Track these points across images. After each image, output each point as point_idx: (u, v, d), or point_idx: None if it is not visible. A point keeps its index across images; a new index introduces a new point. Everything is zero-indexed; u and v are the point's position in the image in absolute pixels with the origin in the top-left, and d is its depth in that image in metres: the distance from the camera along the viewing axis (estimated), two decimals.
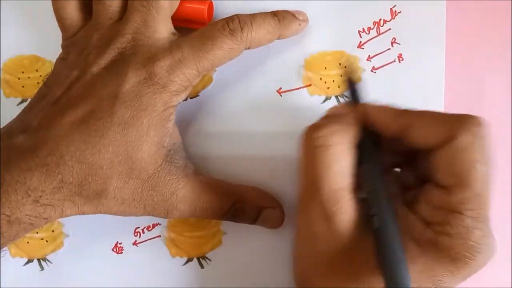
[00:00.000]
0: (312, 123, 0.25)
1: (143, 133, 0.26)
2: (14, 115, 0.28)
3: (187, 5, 0.30)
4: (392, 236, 0.22)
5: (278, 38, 0.29)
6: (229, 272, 0.31)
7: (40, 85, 0.29)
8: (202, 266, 0.31)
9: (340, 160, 0.23)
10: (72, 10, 0.29)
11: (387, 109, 0.25)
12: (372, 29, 0.31)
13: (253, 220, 0.29)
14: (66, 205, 0.26)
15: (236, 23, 0.27)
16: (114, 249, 0.32)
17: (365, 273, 0.23)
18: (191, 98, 0.31)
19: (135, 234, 0.32)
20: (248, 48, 0.28)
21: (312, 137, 0.24)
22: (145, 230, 0.31)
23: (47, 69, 0.32)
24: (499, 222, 0.27)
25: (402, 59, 0.31)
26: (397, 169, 0.27)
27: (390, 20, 0.31)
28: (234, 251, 0.31)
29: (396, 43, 0.31)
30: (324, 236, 0.24)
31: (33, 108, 0.28)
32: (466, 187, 0.22)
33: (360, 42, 0.31)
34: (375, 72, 0.31)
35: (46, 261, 0.32)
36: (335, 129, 0.24)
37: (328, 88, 0.31)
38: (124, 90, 0.26)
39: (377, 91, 0.31)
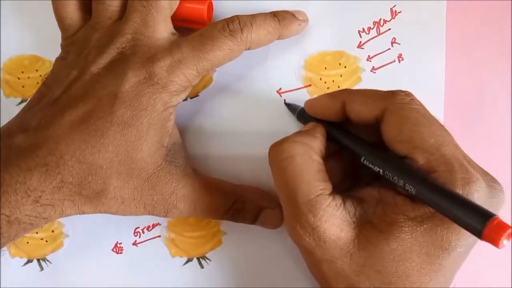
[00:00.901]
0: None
1: (143, 133, 0.26)
2: (14, 115, 0.28)
3: (187, 5, 0.30)
4: (436, 189, 0.22)
5: (278, 39, 0.29)
6: (229, 272, 0.31)
7: (39, 84, 0.29)
8: (202, 266, 0.31)
9: (308, 168, 0.24)
10: (72, 10, 0.29)
11: (322, 97, 0.27)
12: (372, 29, 0.31)
13: (253, 220, 0.29)
14: (66, 204, 0.26)
15: (236, 24, 0.27)
16: (114, 249, 0.32)
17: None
18: (191, 98, 0.31)
19: (135, 234, 0.32)
20: (248, 49, 0.28)
21: (277, 152, 0.25)
22: (145, 230, 0.31)
23: (47, 69, 0.32)
24: None
25: (402, 59, 0.31)
26: None
27: (390, 20, 0.31)
28: (234, 251, 0.31)
29: (396, 43, 0.31)
30: (318, 251, 0.24)
31: (32, 107, 0.28)
32: (422, 152, 0.23)
33: (360, 42, 0.31)
34: (375, 72, 0.31)
35: (46, 261, 0.32)
36: (295, 140, 0.25)
37: (328, 88, 0.31)
38: (124, 90, 0.26)
39: None
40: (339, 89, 0.27)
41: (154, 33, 0.28)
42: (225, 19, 0.28)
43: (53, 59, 0.30)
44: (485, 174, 0.23)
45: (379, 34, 0.31)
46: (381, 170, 0.24)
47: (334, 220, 0.24)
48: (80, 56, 0.28)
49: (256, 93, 0.31)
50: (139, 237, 0.32)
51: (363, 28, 0.31)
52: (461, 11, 0.31)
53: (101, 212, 0.27)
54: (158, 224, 0.31)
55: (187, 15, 0.30)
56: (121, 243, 0.32)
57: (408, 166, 0.23)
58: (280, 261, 0.31)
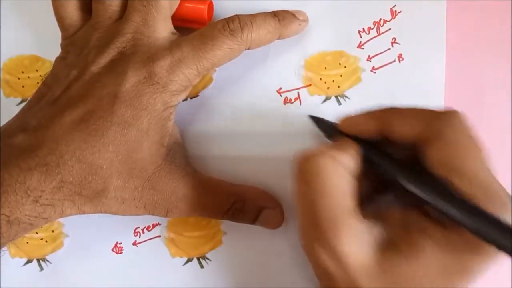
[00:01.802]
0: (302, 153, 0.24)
1: (143, 133, 0.26)
2: (14, 115, 0.28)
3: (187, 5, 0.30)
4: (469, 210, 0.21)
5: (278, 38, 0.29)
6: (229, 272, 0.31)
7: (39, 84, 0.29)
8: (202, 266, 0.31)
9: (341, 186, 0.23)
10: (72, 10, 0.29)
11: (361, 117, 0.25)
12: (372, 29, 0.31)
13: (253, 220, 0.29)
14: (66, 204, 0.26)
15: (236, 24, 0.27)
16: (114, 249, 0.32)
17: None
18: (191, 98, 0.31)
19: (135, 234, 0.31)
20: (249, 49, 0.28)
21: (307, 163, 0.23)
22: (145, 230, 0.31)
23: (47, 69, 0.32)
24: None
25: (402, 59, 0.31)
26: None
27: (390, 20, 0.31)
28: (234, 251, 0.31)
29: (396, 43, 0.31)
30: (337, 274, 0.22)
31: (32, 107, 0.28)
32: (466, 180, 0.22)
33: (360, 42, 0.31)
34: (375, 72, 0.31)
35: (46, 261, 0.32)
36: (331, 154, 0.23)
37: (328, 88, 0.31)
38: (124, 90, 0.26)
39: (377, 91, 0.31)
40: (379, 108, 0.24)
41: (154, 33, 0.28)
42: (225, 19, 0.28)
43: (53, 59, 0.30)
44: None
45: (379, 34, 0.31)
46: (425, 196, 0.23)
47: (358, 244, 0.22)
48: (80, 56, 0.28)
49: (256, 93, 0.31)
50: (139, 237, 0.31)
51: (363, 28, 0.31)
52: (461, 11, 0.31)
53: (101, 212, 0.27)
54: (158, 224, 0.31)
55: (187, 14, 0.30)
56: (121, 243, 0.32)
57: (451, 191, 0.22)
58: (280, 261, 0.31)
